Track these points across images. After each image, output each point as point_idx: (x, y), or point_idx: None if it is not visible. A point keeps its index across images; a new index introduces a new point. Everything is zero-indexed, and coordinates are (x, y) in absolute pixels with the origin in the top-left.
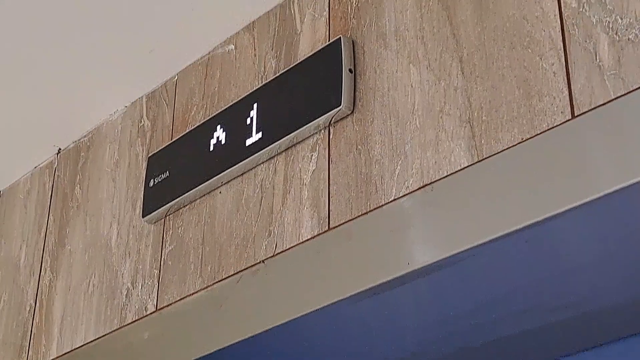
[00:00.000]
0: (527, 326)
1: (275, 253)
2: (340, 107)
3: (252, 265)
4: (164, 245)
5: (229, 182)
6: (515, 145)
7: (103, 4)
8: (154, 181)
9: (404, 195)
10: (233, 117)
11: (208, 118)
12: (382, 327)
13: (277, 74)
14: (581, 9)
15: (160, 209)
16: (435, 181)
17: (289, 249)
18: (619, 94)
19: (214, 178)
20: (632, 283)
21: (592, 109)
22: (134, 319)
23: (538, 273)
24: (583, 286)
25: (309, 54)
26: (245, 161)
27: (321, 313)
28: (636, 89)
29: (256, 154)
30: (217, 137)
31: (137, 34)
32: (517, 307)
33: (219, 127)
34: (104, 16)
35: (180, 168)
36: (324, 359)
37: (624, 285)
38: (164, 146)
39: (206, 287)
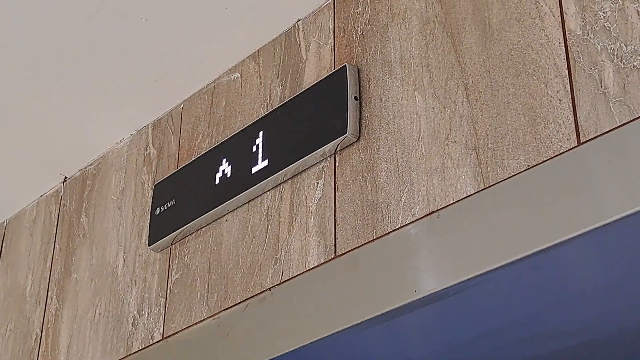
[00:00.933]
0: (534, 352)
1: (282, 281)
2: (346, 134)
3: (258, 294)
4: (170, 273)
5: (235, 210)
6: (522, 172)
7: (109, 33)
8: (160, 209)
9: (411, 223)
10: (239, 145)
11: (214, 146)
12: (389, 355)
13: (283, 102)
14: (586, 36)
15: (166, 237)
16: (442, 208)
17: (295, 276)
18: (624, 121)
19: (220, 206)
20: (639, 310)
21: (598, 136)
22: (140, 348)
23: (544, 300)
24: (590, 313)
25: (315, 82)
26: (251, 189)
27: (328, 341)
28: None
29: (262, 182)
30: (223, 165)
31: (143, 63)
32: (524, 333)
33: (224, 155)
34: (109, 45)
35: (186, 196)
36: None
37: (630, 311)
38: (170, 174)
39: (212, 316)
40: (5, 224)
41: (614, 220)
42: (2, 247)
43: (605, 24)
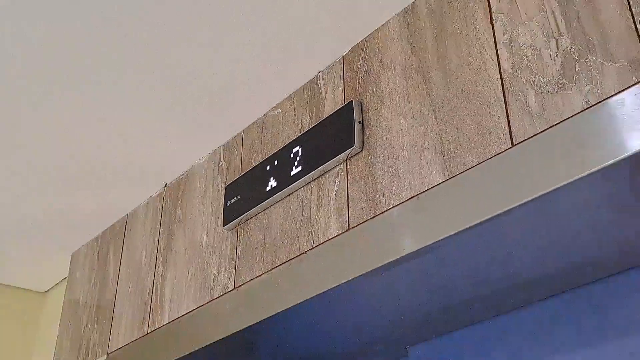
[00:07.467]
0: (483, 292)
1: (313, 246)
2: (354, 146)
3: (297, 256)
4: (238, 245)
5: (280, 200)
6: (474, 166)
7: (197, 88)
8: (230, 202)
9: (399, 204)
10: (281, 157)
11: (265, 158)
12: (386, 294)
13: (311, 127)
14: (515, 73)
15: (234, 221)
16: (420, 193)
17: (322, 243)
18: (542, 129)
19: (270, 198)
20: (546, 263)
21: (525, 139)
22: (219, 295)
23: (488, 255)
24: (517, 264)
25: (331, 112)
26: (290, 186)
27: (344, 286)
28: (554, 125)
29: (298, 181)
30: (271, 171)
31: (220, 109)
32: (476, 278)
33: (272, 164)
34: (198, 96)
35: (247, 193)
36: (348, 316)
37: (541, 263)
38: (235, 179)
39: (267, 272)
40: (127, 217)
41: (543, 194)
42: (125, 233)
43: (528, 64)
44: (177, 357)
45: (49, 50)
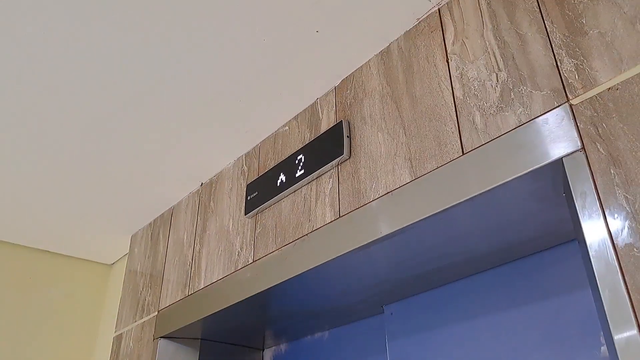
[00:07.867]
0: (441, 264)
1: (313, 230)
2: (343, 155)
3: (301, 237)
4: (256, 229)
5: (287, 196)
6: (433, 170)
7: (227, 113)
8: (250, 197)
9: (378, 198)
10: (289, 163)
11: (276, 164)
12: (366, 266)
13: (311, 140)
14: (465, 99)
15: (254, 210)
16: (393, 190)
17: (319, 227)
18: (486, 141)
19: (280, 194)
20: (489, 242)
21: (472, 149)
22: (241, 267)
23: (445, 236)
24: (466, 243)
25: (326, 129)
26: (295, 185)
27: (336, 260)
28: (494, 138)
29: (301, 181)
30: (281, 173)
31: (243, 127)
32: (435, 254)
33: (282, 168)
34: (228, 119)
35: (263, 190)
36: (338, 282)
37: (484, 242)
38: (254, 179)
39: (278, 249)
40: (172, 208)
41: (483, 192)
42: (171, 220)
43: (474, 93)
44: (210, 313)
45: (127, 89)
